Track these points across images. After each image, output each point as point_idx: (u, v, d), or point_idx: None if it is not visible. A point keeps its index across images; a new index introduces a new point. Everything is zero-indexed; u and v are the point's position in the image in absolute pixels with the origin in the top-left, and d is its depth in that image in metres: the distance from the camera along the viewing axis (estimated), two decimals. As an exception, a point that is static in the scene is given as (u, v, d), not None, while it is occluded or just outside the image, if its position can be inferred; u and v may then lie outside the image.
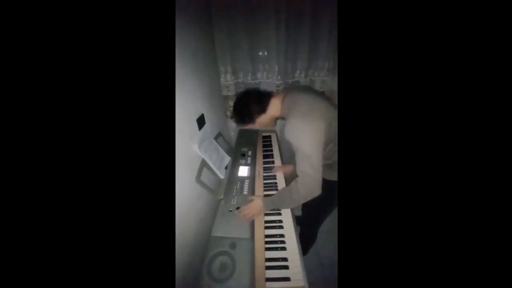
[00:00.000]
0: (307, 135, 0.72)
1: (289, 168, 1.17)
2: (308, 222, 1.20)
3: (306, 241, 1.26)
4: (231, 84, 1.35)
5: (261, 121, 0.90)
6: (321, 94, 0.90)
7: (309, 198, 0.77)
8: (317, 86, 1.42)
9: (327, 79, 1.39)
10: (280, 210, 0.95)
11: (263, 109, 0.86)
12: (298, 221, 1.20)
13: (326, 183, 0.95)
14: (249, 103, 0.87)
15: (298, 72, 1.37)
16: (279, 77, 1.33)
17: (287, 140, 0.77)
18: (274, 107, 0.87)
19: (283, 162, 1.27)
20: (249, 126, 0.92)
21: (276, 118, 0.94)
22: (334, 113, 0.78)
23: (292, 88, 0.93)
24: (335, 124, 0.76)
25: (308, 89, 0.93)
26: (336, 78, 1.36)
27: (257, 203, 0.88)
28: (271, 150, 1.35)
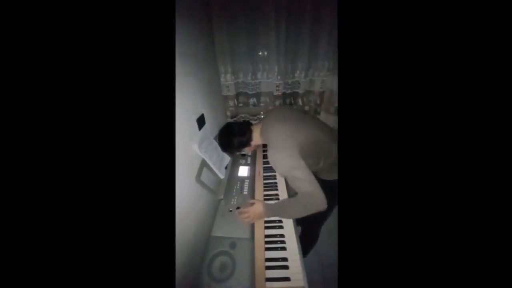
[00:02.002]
0: (287, 162, 0.76)
1: None
2: (309, 222, 1.20)
3: (307, 241, 1.26)
4: (231, 84, 1.35)
5: (248, 149, 1.01)
6: (299, 113, 0.98)
7: (314, 211, 0.74)
8: (317, 86, 1.42)
9: (327, 79, 1.39)
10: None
11: (246, 142, 0.94)
12: (299, 222, 1.20)
13: (325, 183, 0.95)
14: (231, 138, 0.93)
15: (298, 72, 1.37)
16: (279, 77, 1.32)
17: (273, 167, 0.83)
18: (255, 137, 0.94)
19: None
20: (241, 152, 1.03)
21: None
22: (314, 132, 0.86)
23: (268, 116, 0.99)
24: (318, 139, 0.85)
25: (284, 113, 0.97)
26: (336, 78, 1.36)
27: (257, 208, 0.87)
28: (271, 150, 1.35)
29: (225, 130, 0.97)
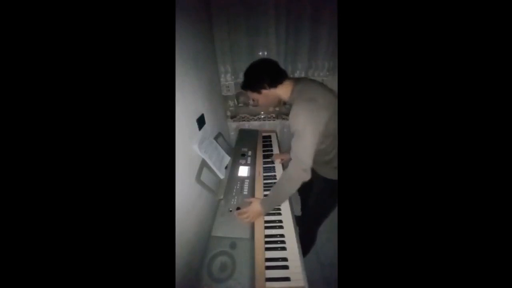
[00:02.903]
0: (309, 120, 0.73)
1: (288, 155, 1.17)
2: (308, 222, 1.20)
3: (306, 241, 1.26)
4: (231, 84, 1.36)
5: (267, 95, 0.88)
6: (330, 89, 0.92)
7: (300, 182, 0.79)
8: (317, 86, 1.42)
9: (327, 79, 1.39)
10: (280, 210, 0.95)
11: (273, 84, 0.85)
12: (298, 222, 1.20)
13: (325, 182, 0.95)
14: (263, 72, 0.85)
15: (298, 72, 1.37)
16: (279, 77, 1.32)
17: (290, 123, 0.79)
18: (285, 89, 0.86)
19: (280, 151, 1.31)
20: (253, 97, 0.91)
21: (283, 102, 0.93)
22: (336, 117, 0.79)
23: (304, 78, 0.91)
24: (335, 117, 0.78)
25: (319, 83, 0.93)
26: (336, 78, 1.36)
27: (255, 207, 0.88)
28: (271, 150, 1.35)
29: (261, 63, 0.88)
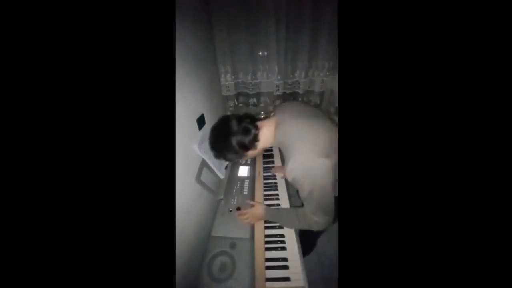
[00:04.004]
0: (318, 175, 0.58)
1: None
2: (308, 237, 1.15)
3: (306, 245, 1.25)
4: (231, 84, 1.35)
5: (251, 154, 0.72)
6: (317, 112, 0.74)
7: (312, 228, 0.71)
8: (317, 86, 1.42)
9: (327, 79, 1.39)
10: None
11: (251, 143, 0.67)
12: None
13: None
14: (229, 137, 0.67)
15: (298, 72, 1.37)
16: (279, 77, 1.33)
17: (289, 180, 0.63)
18: (265, 136, 0.69)
19: (282, 160, 1.27)
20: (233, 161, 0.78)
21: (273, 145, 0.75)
22: (329, 128, 0.65)
23: (283, 110, 0.72)
24: (332, 136, 0.63)
25: (302, 110, 0.73)
26: (336, 78, 1.36)
27: (258, 211, 0.86)
28: (271, 150, 1.35)
29: (220, 126, 0.71)
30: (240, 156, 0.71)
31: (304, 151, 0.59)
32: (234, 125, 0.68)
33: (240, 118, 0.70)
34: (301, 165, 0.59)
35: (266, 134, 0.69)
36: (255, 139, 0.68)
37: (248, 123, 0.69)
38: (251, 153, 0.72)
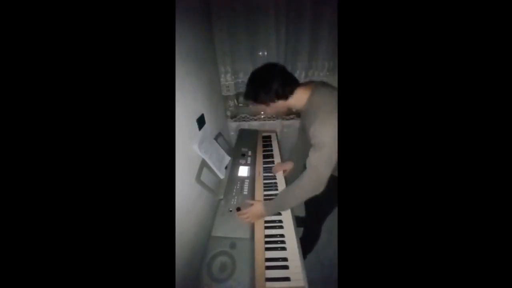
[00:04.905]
0: (335, 134, 0.66)
1: (289, 165, 1.17)
2: (313, 219, 1.18)
3: (311, 238, 1.25)
4: (231, 84, 1.36)
5: (275, 107, 0.78)
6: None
7: (312, 194, 0.76)
8: (317, 86, 1.42)
9: (327, 79, 1.39)
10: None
11: (284, 96, 0.75)
12: (300, 221, 1.19)
13: (330, 177, 0.94)
14: (271, 83, 0.73)
15: (298, 72, 1.37)
16: (279, 77, 1.32)
17: (310, 134, 0.72)
18: (299, 97, 0.76)
19: (282, 160, 1.27)
20: (259, 109, 0.81)
21: (295, 110, 0.83)
22: None
23: (318, 85, 0.79)
24: None
25: (333, 87, 0.83)
26: (336, 78, 1.36)
27: (257, 209, 0.87)
28: (271, 150, 1.35)
29: (268, 70, 0.76)
30: (271, 99, 0.76)
31: (334, 116, 0.66)
32: (281, 71, 0.76)
33: (287, 71, 0.78)
34: (329, 121, 0.67)
35: (301, 95, 0.76)
36: (291, 91, 0.76)
37: (292, 77, 0.77)
38: (280, 104, 0.77)
